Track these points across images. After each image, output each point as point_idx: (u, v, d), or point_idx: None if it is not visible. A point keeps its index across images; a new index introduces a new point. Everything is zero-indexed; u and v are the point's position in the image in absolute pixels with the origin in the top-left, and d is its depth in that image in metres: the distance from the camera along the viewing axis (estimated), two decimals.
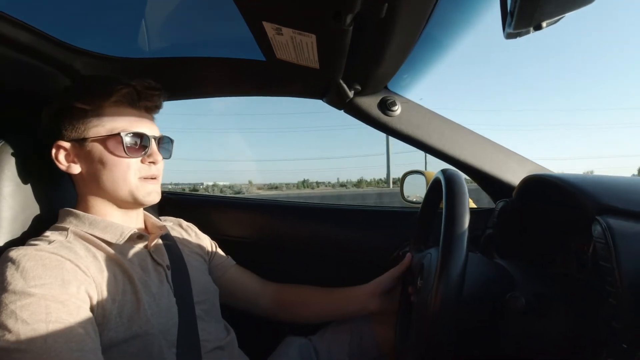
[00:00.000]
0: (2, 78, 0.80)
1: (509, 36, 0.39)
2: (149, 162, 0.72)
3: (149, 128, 0.72)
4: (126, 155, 0.69)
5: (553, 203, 0.71)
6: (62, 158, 0.70)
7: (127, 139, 0.68)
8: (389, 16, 0.53)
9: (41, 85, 0.85)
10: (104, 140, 0.68)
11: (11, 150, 0.71)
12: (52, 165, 0.70)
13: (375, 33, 0.60)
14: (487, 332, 0.62)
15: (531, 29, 0.35)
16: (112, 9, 0.87)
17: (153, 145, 0.72)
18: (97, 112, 0.69)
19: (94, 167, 0.69)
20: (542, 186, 0.73)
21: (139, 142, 0.70)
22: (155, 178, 0.74)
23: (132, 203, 0.72)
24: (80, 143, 0.69)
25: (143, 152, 0.71)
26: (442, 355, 0.53)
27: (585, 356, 0.51)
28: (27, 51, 0.75)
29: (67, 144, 0.69)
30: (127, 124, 0.69)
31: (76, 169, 0.70)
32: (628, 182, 0.61)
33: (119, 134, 0.68)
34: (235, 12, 0.59)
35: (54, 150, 0.69)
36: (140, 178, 0.71)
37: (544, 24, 0.33)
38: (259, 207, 1.22)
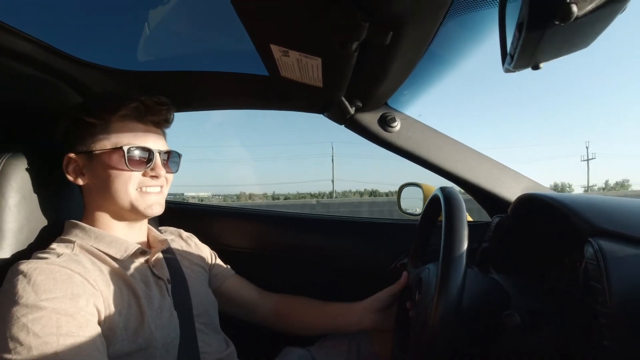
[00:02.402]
0: (9, 91, 0.81)
1: (507, 71, 0.41)
2: (151, 176, 0.73)
3: (154, 142, 0.74)
4: (127, 169, 0.70)
5: (547, 222, 0.73)
6: (72, 170, 0.72)
7: (130, 153, 0.69)
8: (393, 42, 0.55)
9: (48, 98, 0.86)
10: (108, 153, 0.70)
11: (17, 162, 0.72)
12: (57, 176, 0.71)
13: (379, 57, 0.62)
14: (482, 347, 0.63)
15: (530, 67, 0.37)
16: (118, 22, 0.88)
17: (157, 159, 0.73)
18: (105, 126, 0.70)
19: (98, 179, 0.71)
20: (536, 205, 0.75)
21: (141, 155, 0.71)
22: (158, 191, 0.75)
23: (134, 215, 0.73)
24: (88, 156, 0.71)
25: (146, 166, 0.72)
26: None
27: None
28: (34, 64, 0.76)
29: (76, 157, 0.71)
30: (132, 138, 0.71)
31: (82, 181, 0.72)
32: (621, 205, 0.63)
33: (121, 147, 0.69)
34: (239, 28, 0.61)
35: (65, 162, 0.71)
36: (141, 191, 0.72)
37: (541, 65, 0.35)
38: (259, 217, 1.23)
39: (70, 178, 0.72)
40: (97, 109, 0.71)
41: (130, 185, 0.71)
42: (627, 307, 0.46)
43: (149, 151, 0.72)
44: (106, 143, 0.70)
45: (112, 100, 0.71)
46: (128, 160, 0.69)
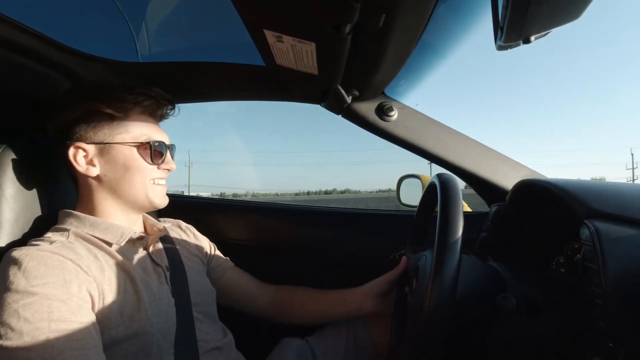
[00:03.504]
0: (5, 81, 0.81)
1: (500, 48, 0.41)
2: (164, 169, 0.76)
3: (164, 137, 0.77)
4: (151, 162, 0.73)
5: (544, 207, 0.73)
6: (81, 159, 0.71)
7: (154, 147, 0.73)
8: (387, 25, 0.55)
9: (44, 89, 0.86)
10: (131, 146, 0.72)
11: (13, 153, 0.72)
12: (53, 167, 0.71)
13: (374, 41, 0.62)
14: (479, 332, 0.63)
15: (520, 42, 0.36)
16: (115, 13, 0.88)
17: (168, 153, 0.77)
18: (124, 118, 0.72)
19: (115, 170, 0.71)
20: (533, 191, 0.75)
21: (160, 150, 0.74)
22: (164, 183, 0.78)
23: (145, 206, 0.76)
24: (103, 146, 0.71)
25: (161, 160, 0.75)
26: (435, 356, 0.54)
27: (573, 356, 0.53)
28: (29, 55, 0.77)
29: (88, 147, 0.71)
30: (150, 133, 0.74)
31: (94, 171, 0.71)
32: (616, 188, 0.63)
33: (148, 142, 0.72)
34: (236, 19, 0.61)
35: (72, 151, 0.70)
36: (154, 183, 0.75)
37: (532, 38, 0.35)
38: (258, 209, 1.23)
39: (80, 168, 0.70)
40: (115, 101, 0.71)
41: (147, 178, 0.73)
42: (622, 287, 0.45)
43: (165, 145, 0.75)
44: (126, 136, 0.71)
45: (128, 93, 0.72)
46: (153, 154, 0.73)
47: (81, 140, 0.70)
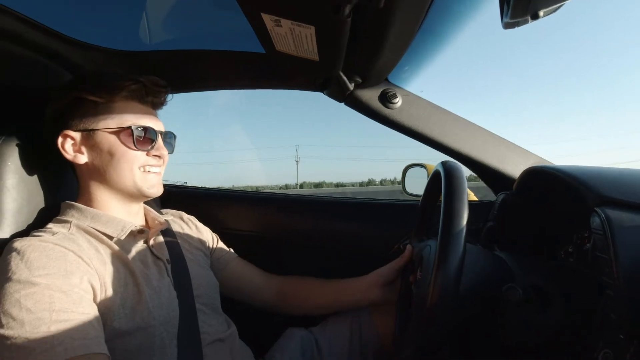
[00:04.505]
0: (5, 73, 0.81)
1: (507, 26, 0.38)
2: (154, 155, 0.74)
3: (155, 123, 0.75)
4: (135, 148, 0.71)
5: (553, 195, 0.71)
6: (69, 147, 0.71)
7: (137, 132, 0.70)
8: (388, 7, 0.53)
9: (44, 79, 0.85)
10: (114, 132, 0.70)
11: (15, 143, 0.72)
12: (55, 157, 0.71)
13: (375, 24, 0.60)
14: (485, 323, 0.62)
15: (529, 18, 0.34)
16: (112, 2, 0.87)
17: (159, 139, 0.75)
18: (108, 105, 0.70)
19: (101, 157, 0.71)
20: (542, 178, 0.72)
21: (147, 135, 0.72)
22: (158, 171, 0.76)
23: (135, 195, 0.74)
24: (89, 133, 0.70)
25: (150, 146, 0.73)
26: (439, 346, 0.53)
27: (582, 347, 0.52)
28: (29, 45, 0.76)
29: (75, 134, 0.70)
30: (135, 118, 0.72)
31: (82, 158, 0.71)
32: (629, 174, 0.60)
33: (129, 127, 0.70)
34: (234, 5, 0.59)
35: (60, 139, 0.70)
36: (144, 170, 0.73)
37: (541, 13, 0.33)
38: (261, 200, 1.22)
39: (68, 156, 0.71)
40: (99, 88, 0.70)
41: (135, 165, 0.72)
42: (635, 278, 0.44)
43: (153, 131, 0.73)
44: (110, 122, 0.70)
45: (113, 80, 0.71)
46: (135, 139, 0.70)
47: (69, 129, 0.70)
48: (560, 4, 0.32)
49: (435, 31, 0.81)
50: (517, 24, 0.37)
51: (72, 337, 0.52)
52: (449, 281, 0.51)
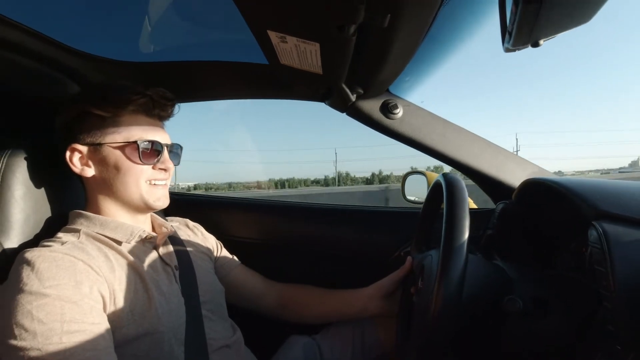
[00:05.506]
0: (12, 84, 0.82)
1: (507, 50, 0.40)
2: (160, 169, 0.75)
3: (161, 136, 0.75)
4: (141, 162, 0.72)
5: (551, 206, 0.72)
6: (77, 161, 0.72)
7: (143, 147, 0.71)
8: (392, 26, 0.54)
9: (50, 90, 0.86)
10: (120, 147, 0.71)
11: (23, 154, 0.73)
12: (62, 168, 0.72)
13: (378, 41, 0.61)
14: (485, 333, 0.63)
15: (529, 45, 0.36)
16: (117, 13, 0.88)
17: (165, 152, 0.75)
18: (115, 119, 0.71)
19: (108, 171, 0.72)
20: (540, 189, 0.74)
21: (153, 149, 0.73)
22: (164, 184, 0.77)
23: (142, 207, 0.75)
24: (95, 147, 0.71)
25: (156, 159, 0.74)
26: (441, 356, 0.54)
27: (581, 357, 0.53)
28: (34, 57, 0.77)
29: (82, 148, 0.71)
30: (142, 132, 0.72)
31: (89, 172, 0.72)
32: (626, 188, 0.62)
33: (135, 141, 0.71)
34: (238, 17, 0.60)
35: (68, 153, 0.71)
36: (150, 184, 0.74)
37: (541, 42, 0.34)
38: (264, 207, 1.23)
39: (76, 169, 0.72)
40: (106, 102, 0.71)
41: (141, 179, 0.73)
42: (631, 291, 0.45)
43: (159, 145, 0.74)
44: (117, 136, 0.71)
45: (120, 93, 0.71)
46: (141, 154, 0.71)
47: (76, 142, 0.71)
48: (560, 33, 0.34)
49: (437, 42, 0.82)
50: (518, 49, 0.39)
51: (83, 347, 0.53)
52: (452, 290, 0.52)
